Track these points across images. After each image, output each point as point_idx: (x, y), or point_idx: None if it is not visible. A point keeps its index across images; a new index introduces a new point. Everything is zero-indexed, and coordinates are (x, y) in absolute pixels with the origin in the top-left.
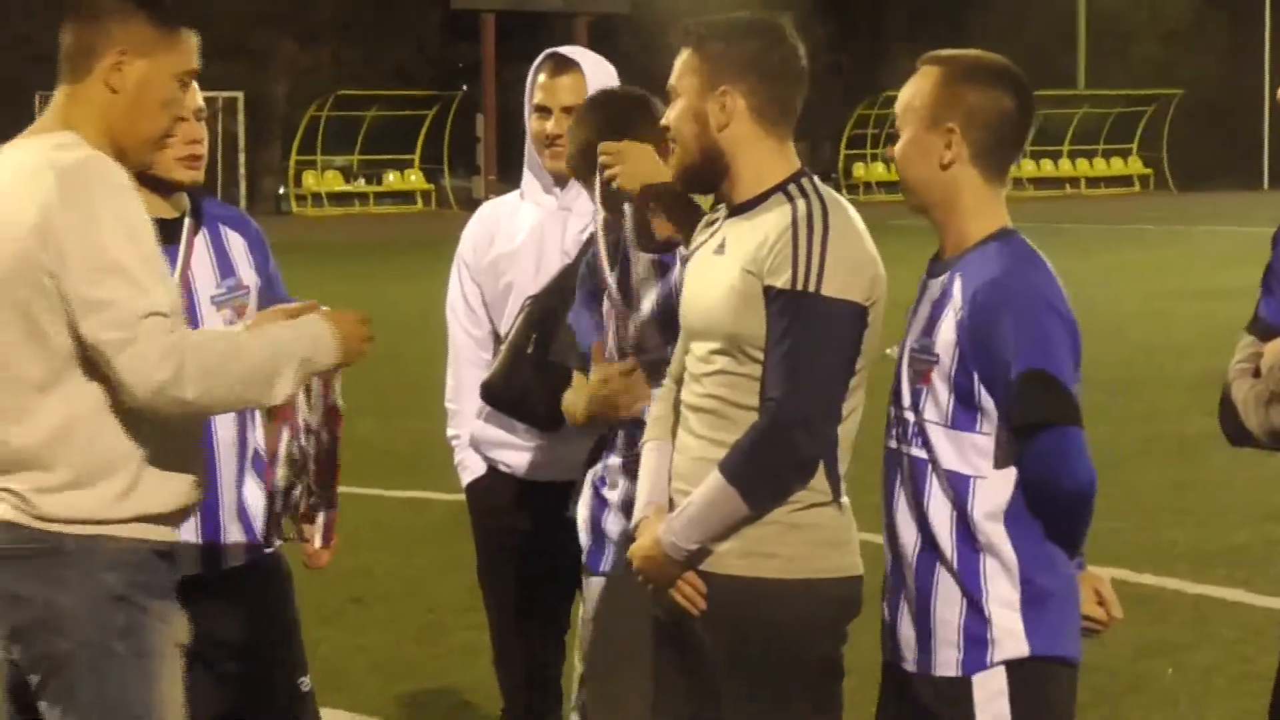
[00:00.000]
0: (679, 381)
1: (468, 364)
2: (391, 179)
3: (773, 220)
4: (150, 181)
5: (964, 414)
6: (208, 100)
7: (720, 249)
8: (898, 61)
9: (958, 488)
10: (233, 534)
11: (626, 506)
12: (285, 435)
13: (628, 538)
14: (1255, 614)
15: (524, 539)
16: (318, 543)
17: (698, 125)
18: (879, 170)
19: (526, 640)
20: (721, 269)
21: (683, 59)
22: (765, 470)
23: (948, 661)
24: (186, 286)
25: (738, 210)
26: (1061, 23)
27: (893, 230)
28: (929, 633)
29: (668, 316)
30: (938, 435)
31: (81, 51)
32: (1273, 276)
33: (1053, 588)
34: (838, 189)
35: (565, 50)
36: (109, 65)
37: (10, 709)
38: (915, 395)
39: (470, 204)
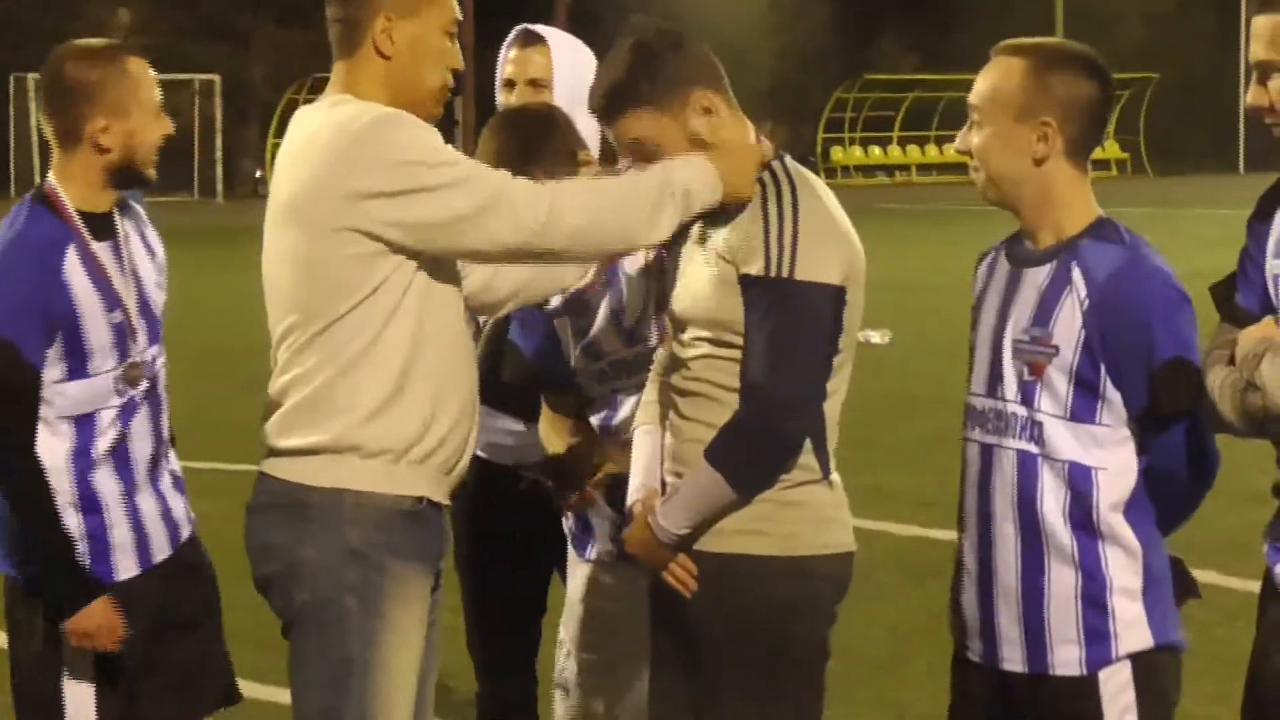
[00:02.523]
0: (667, 367)
1: None
2: None
3: (748, 207)
4: (124, 176)
5: (1084, 404)
6: (184, 83)
7: (702, 238)
8: (879, 44)
9: (1079, 479)
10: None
11: (608, 493)
12: None
13: (615, 524)
14: (1233, 597)
15: (501, 525)
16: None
17: (693, 147)
18: (857, 154)
19: (501, 626)
20: (701, 257)
21: (628, 114)
22: (747, 455)
23: (1068, 660)
24: (135, 278)
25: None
26: (1045, 5)
27: (874, 213)
28: (1041, 631)
29: (622, 321)
30: (1056, 427)
31: (349, 25)
32: (1249, 262)
33: (1163, 574)
34: (816, 172)
35: (536, 27)
36: (378, 33)
37: None
38: (1027, 388)
39: None
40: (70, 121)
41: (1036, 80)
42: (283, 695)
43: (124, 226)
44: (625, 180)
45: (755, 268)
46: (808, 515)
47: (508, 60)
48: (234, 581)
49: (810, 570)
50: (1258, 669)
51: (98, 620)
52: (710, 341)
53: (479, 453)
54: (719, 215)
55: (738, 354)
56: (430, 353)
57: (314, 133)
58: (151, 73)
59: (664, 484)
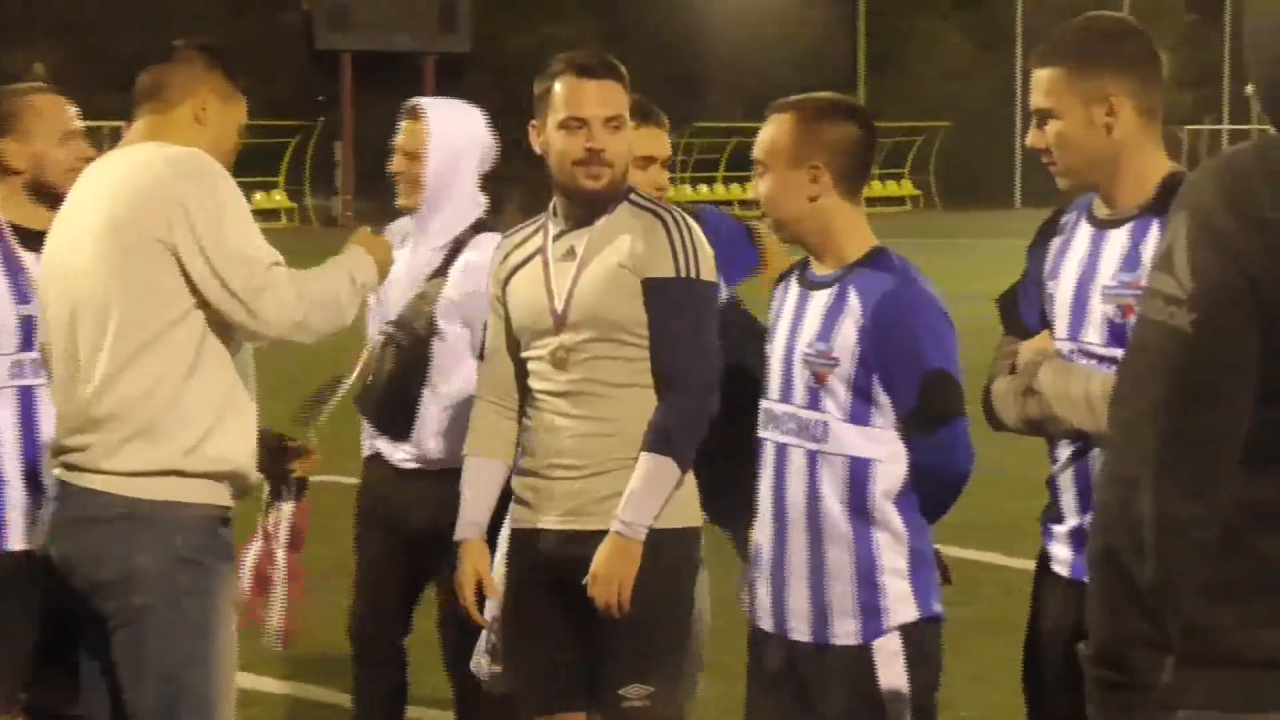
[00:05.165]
0: (537, 375)
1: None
2: (259, 198)
3: (635, 225)
4: (43, 193)
5: (861, 408)
6: (95, 129)
7: (569, 255)
8: (706, 97)
9: (857, 472)
10: None
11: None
12: (253, 549)
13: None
14: (1014, 575)
15: (388, 518)
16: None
17: (630, 153)
18: (688, 191)
19: (377, 609)
20: (587, 270)
21: (623, 85)
22: (690, 434)
23: (846, 632)
24: None
25: (584, 221)
26: (848, 62)
27: None
28: (823, 606)
29: None
30: (837, 427)
31: (174, 88)
32: (1029, 283)
33: (927, 554)
34: None
35: (420, 101)
36: (199, 102)
37: (84, 657)
38: (812, 394)
39: (329, 221)
40: None
41: (804, 130)
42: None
43: None
44: (333, 284)
45: (665, 272)
46: (683, 492)
47: (398, 132)
48: None
49: (687, 539)
50: (1033, 632)
51: None
52: (601, 342)
53: (380, 453)
54: (599, 233)
55: (627, 352)
56: (238, 375)
57: (141, 163)
58: (66, 108)
59: (539, 475)
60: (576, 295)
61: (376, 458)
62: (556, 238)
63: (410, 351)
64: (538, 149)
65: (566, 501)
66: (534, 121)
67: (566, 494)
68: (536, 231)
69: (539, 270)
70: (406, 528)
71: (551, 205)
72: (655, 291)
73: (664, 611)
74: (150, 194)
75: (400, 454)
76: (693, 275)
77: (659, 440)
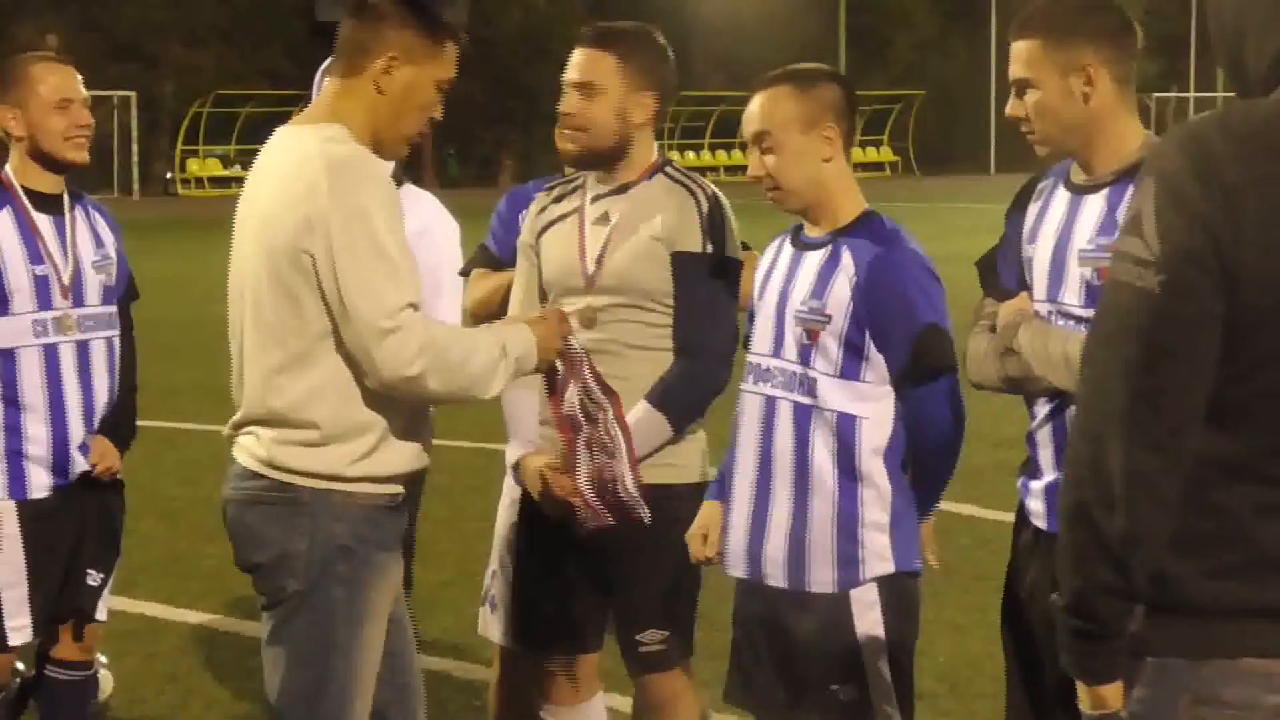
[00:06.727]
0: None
1: None
2: None
3: (670, 198)
4: (42, 158)
5: (851, 365)
6: (105, 98)
7: (604, 219)
8: (692, 67)
9: (844, 427)
10: (79, 464)
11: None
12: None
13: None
14: (986, 526)
15: None
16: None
17: (618, 120)
18: (674, 159)
19: None
20: (620, 237)
21: (608, 52)
22: (693, 400)
23: (823, 580)
24: (73, 252)
25: (621, 188)
26: (830, 34)
27: None
28: (802, 555)
29: None
30: (827, 384)
31: (357, 49)
32: (1008, 247)
33: (908, 512)
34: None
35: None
36: (380, 68)
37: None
38: (804, 351)
39: None
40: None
41: (807, 96)
42: (189, 616)
43: (74, 213)
44: (479, 350)
45: (695, 246)
46: (693, 449)
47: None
48: (143, 516)
49: (696, 494)
50: (1012, 581)
51: None
52: (627, 307)
53: None
54: (634, 201)
55: (653, 318)
56: None
57: (303, 160)
58: (55, 74)
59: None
60: (608, 261)
61: None
62: (594, 200)
63: None
64: None
65: None
66: None
67: None
68: (575, 190)
69: (574, 229)
70: None
71: None
72: (683, 265)
73: (681, 561)
74: (299, 204)
75: None
76: (720, 252)
77: (663, 397)
